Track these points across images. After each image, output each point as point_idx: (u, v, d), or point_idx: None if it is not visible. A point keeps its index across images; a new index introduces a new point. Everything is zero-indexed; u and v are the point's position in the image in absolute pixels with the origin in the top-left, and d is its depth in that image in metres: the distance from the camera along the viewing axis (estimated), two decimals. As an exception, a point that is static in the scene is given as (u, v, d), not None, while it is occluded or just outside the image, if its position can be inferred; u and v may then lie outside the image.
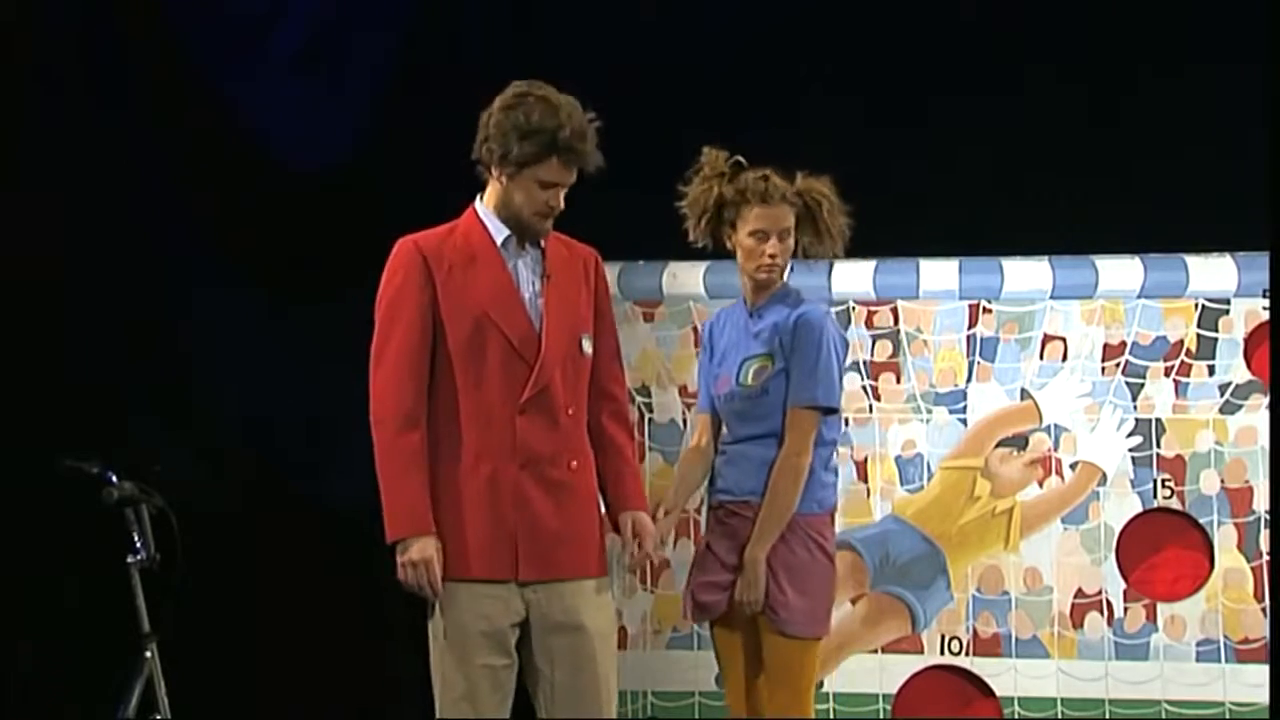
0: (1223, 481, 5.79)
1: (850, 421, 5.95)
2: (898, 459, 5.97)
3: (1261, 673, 5.59)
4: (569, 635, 3.96)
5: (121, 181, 6.17)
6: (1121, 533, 5.84)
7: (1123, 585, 5.81)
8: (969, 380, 5.95)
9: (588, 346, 4.05)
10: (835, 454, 4.49)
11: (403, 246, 4.05)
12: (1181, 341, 5.84)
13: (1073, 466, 5.88)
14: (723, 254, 4.51)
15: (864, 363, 5.99)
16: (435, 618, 3.97)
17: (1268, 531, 5.70)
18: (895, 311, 5.99)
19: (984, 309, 5.95)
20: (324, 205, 6.13)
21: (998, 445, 5.93)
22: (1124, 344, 5.87)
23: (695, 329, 5.92)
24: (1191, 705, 5.72)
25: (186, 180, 6.24)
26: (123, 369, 6.02)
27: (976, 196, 5.85)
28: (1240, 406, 5.80)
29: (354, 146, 6.24)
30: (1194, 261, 5.85)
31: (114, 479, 4.44)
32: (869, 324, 6.01)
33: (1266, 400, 5.73)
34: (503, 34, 6.25)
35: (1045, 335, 5.92)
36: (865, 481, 5.97)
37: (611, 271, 4.39)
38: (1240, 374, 5.81)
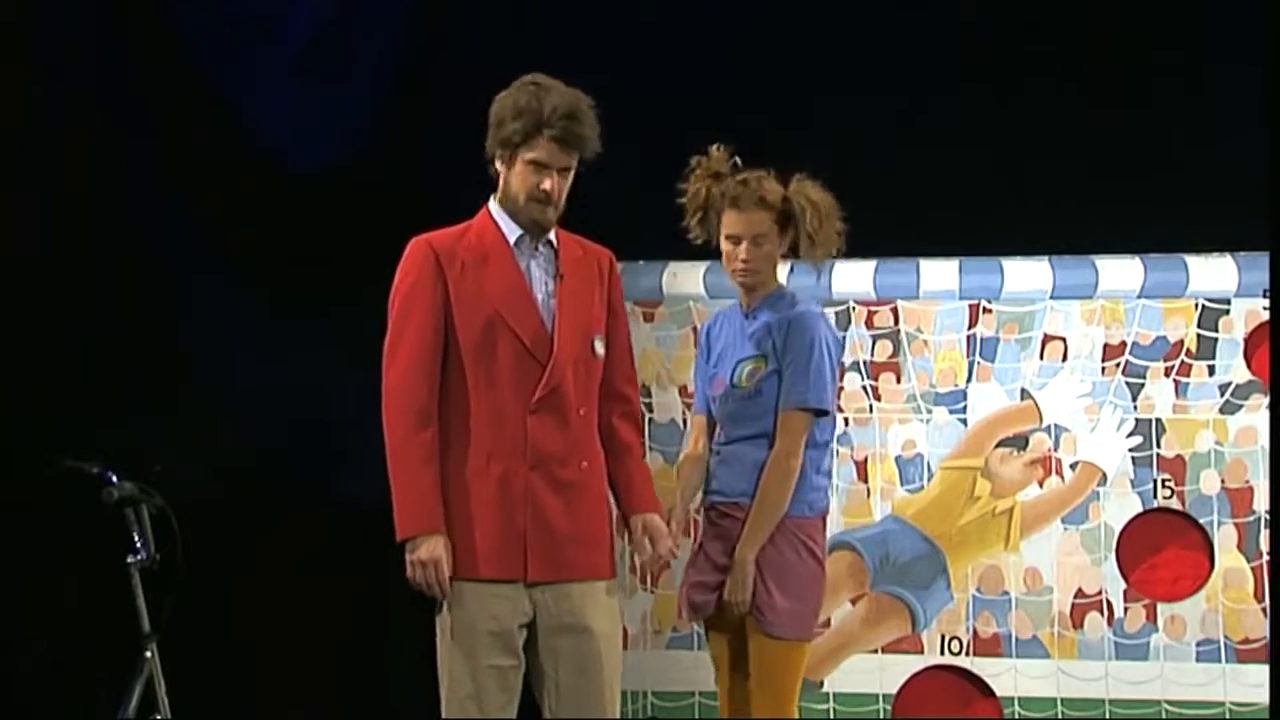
0: (1223, 481, 5.79)
1: (850, 421, 5.96)
2: (898, 459, 5.97)
3: (1262, 673, 5.59)
4: (575, 637, 3.95)
5: (122, 181, 6.17)
6: (1122, 533, 5.84)
7: (1123, 585, 5.81)
8: (969, 380, 5.95)
9: (600, 347, 4.05)
10: (828, 457, 4.48)
11: (415, 245, 4.05)
12: (1181, 341, 5.84)
13: (1073, 466, 5.88)
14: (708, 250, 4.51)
15: (864, 363, 5.99)
16: (443, 617, 3.97)
17: (1268, 531, 5.70)
18: (895, 311, 5.99)
19: (984, 309, 5.95)
20: (325, 205, 6.13)
21: (998, 445, 5.93)
22: (1124, 344, 5.87)
23: (695, 329, 5.92)
24: (1191, 705, 5.72)
25: (187, 180, 6.23)
26: (123, 369, 6.01)
27: (976, 196, 5.85)
28: (1240, 406, 5.80)
29: (355, 147, 6.24)
30: (1194, 261, 5.85)
31: (114, 479, 4.44)
32: (869, 324, 6.01)
33: (1266, 400, 5.73)
34: (503, 34, 6.25)
35: (1045, 335, 5.92)
36: (865, 481, 5.97)
37: (612, 272, 4.38)
38: (1240, 374, 5.81)
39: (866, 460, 5.98)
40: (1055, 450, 5.89)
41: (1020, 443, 5.92)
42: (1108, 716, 5.75)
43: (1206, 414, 5.82)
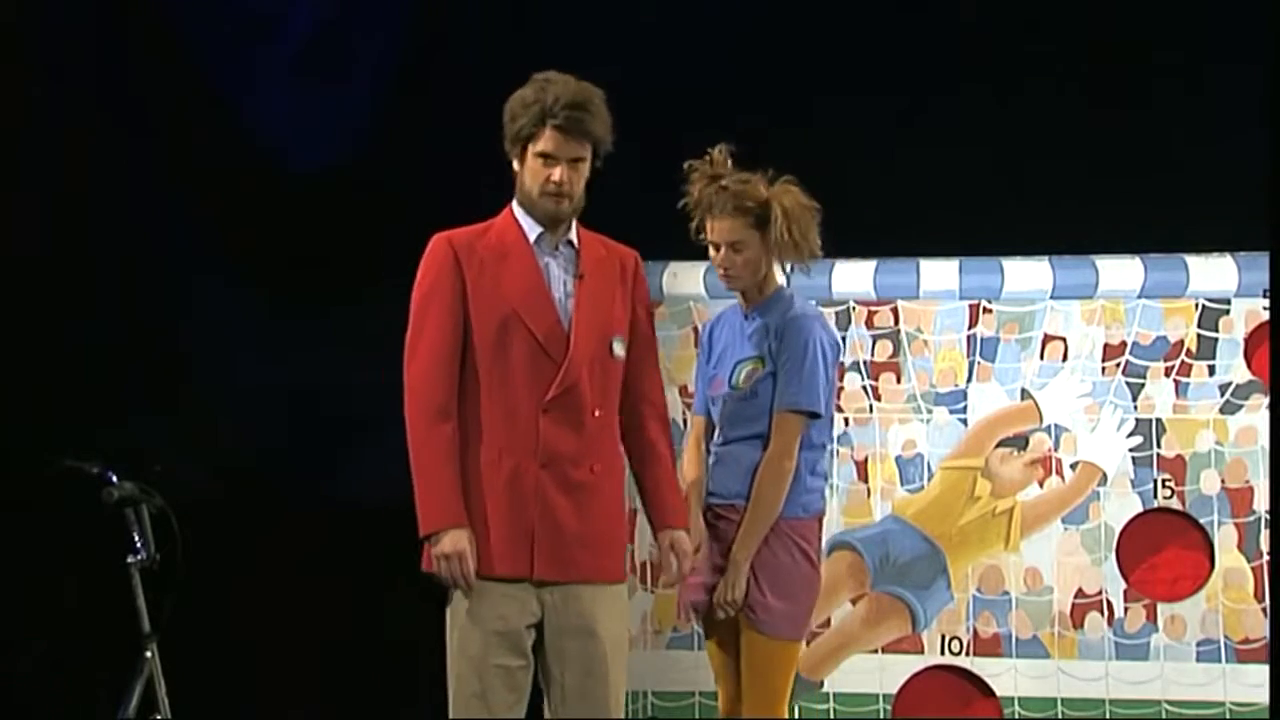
0: (1223, 481, 5.79)
1: (850, 421, 5.96)
2: (898, 459, 5.97)
3: (1262, 673, 5.59)
4: (581, 640, 3.95)
5: (122, 181, 6.17)
6: (1122, 533, 5.83)
7: (1123, 585, 5.81)
8: (969, 380, 5.95)
9: (619, 349, 4.04)
10: (824, 459, 4.48)
11: (436, 242, 4.07)
12: (1182, 341, 5.84)
13: (1073, 466, 5.88)
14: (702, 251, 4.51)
15: (864, 363, 5.99)
16: (451, 615, 3.97)
17: (1268, 531, 5.70)
18: (895, 311, 5.99)
19: (984, 309, 5.95)
20: (325, 205, 6.13)
21: (998, 445, 5.93)
22: (1124, 344, 5.87)
23: (695, 329, 5.92)
24: (1192, 705, 5.71)
25: (187, 180, 6.24)
26: (123, 369, 6.02)
27: (976, 196, 5.85)
28: (1240, 406, 5.80)
29: (355, 147, 6.24)
30: (1194, 261, 5.85)
31: (114, 479, 4.44)
32: (869, 324, 6.00)
33: (1267, 400, 5.73)
34: (503, 34, 6.25)
35: (1045, 335, 5.92)
36: (865, 481, 5.97)
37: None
38: (1240, 374, 5.81)
39: (866, 460, 5.98)
40: (1055, 450, 5.88)
41: (1020, 443, 5.92)
42: (1108, 716, 5.75)
43: (1207, 414, 5.82)
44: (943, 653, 5.89)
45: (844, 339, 5.81)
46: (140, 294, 6.14)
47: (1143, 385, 5.85)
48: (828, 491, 4.67)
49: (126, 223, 6.15)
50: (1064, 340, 5.91)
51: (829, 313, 5.78)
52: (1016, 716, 5.80)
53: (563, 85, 3.95)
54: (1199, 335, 5.83)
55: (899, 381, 5.97)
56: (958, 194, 5.87)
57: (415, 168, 6.15)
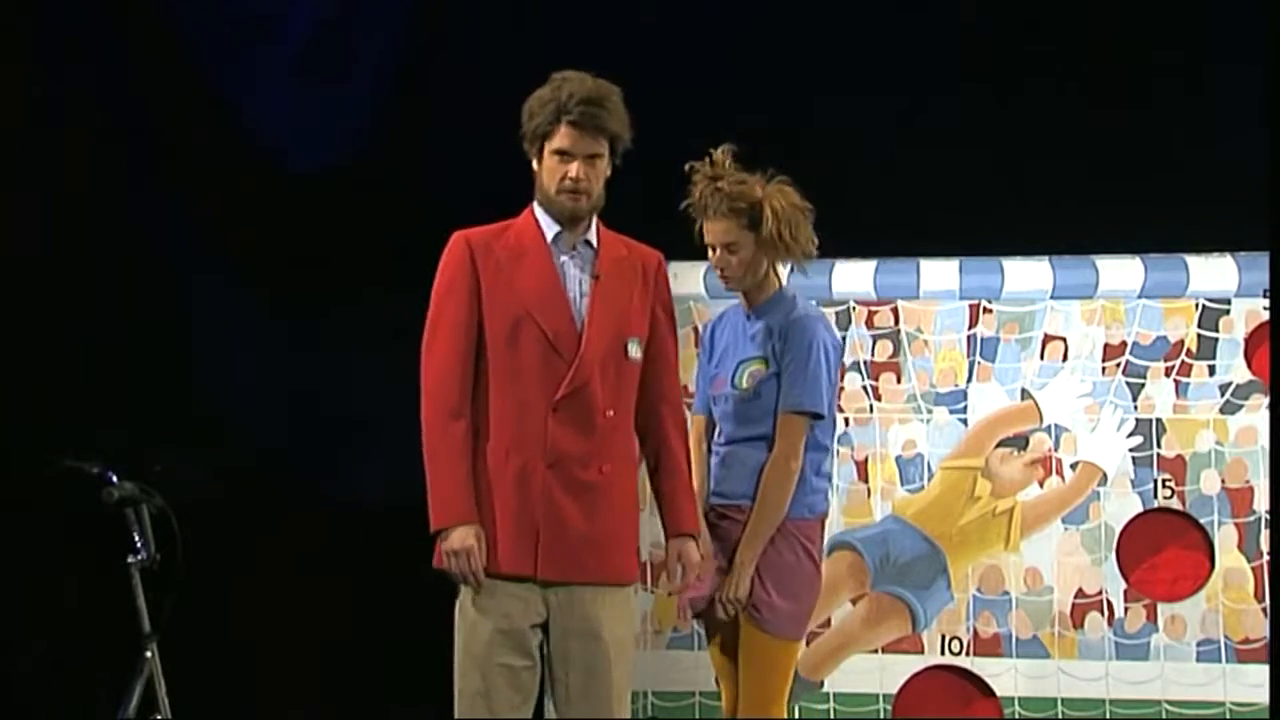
0: (1223, 481, 5.78)
1: (850, 421, 5.96)
2: (898, 459, 5.97)
3: (1262, 673, 5.59)
4: (585, 642, 3.95)
5: (122, 181, 6.18)
6: (1122, 533, 5.83)
7: (1123, 585, 5.81)
8: (969, 380, 5.95)
9: (635, 351, 4.03)
10: (828, 459, 4.49)
11: (454, 241, 4.08)
12: (1182, 341, 5.84)
13: (1073, 466, 5.88)
14: (702, 253, 4.50)
15: (864, 363, 5.98)
16: (460, 613, 3.97)
17: (1268, 531, 5.70)
18: (895, 311, 5.99)
19: (984, 309, 5.95)
20: (325, 205, 6.14)
21: (998, 445, 5.93)
22: (1124, 344, 5.87)
23: (696, 329, 5.92)
24: (1192, 705, 5.71)
25: (187, 180, 6.24)
26: (123, 369, 6.02)
27: (976, 196, 5.85)
28: (1241, 406, 5.79)
29: (355, 147, 6.24)
30: (1194, 261, 5.84)
31: (114, 479, 4.44)
32: (869, 324, 6.00)
33: (1267, 400, 5.73)
34: (503, 34, 6.25)
35: (1045, 335, 5.92)
36: (865, 481, 5.97)
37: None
38: (1241, 374, 5.81)
39: (867, 460, 5.98)
40: (1055, 450, 5.88)
41: (1020, 443, 5.91)
42: (1108, 716, 5.75)
43: (1207, 414, 5.81)
44: (943, 653, 5.89)
45: (844, 339, 5.80)
46: (140, 294, 6.15)
47: (1143, 385, 5.85)
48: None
49: (126, 223, 6.15)
50: (1064, 340, 5.91)
51: (829, 313, 5.77)
52: (1016, 716, 5.80)
53: (578, 82, 3.96)
54: (1199, 335, 5.83)
55: (899, 381, 5.97)
56: (958, 194, 5.87)
57: (415, 168, 6.15)
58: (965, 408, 5.94)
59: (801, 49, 6.01)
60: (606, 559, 3.98)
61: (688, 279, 6.05)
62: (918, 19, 5.98)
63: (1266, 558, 5.70)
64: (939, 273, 5.98)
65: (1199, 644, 5.74)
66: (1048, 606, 5.83)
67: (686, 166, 4.43)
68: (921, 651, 5.89)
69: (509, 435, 3.94)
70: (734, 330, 4.50)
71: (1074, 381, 5.89)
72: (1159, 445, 5.83)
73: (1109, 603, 5.81)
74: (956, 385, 5.95)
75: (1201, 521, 5.79)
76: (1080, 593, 5.82)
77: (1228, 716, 5.68)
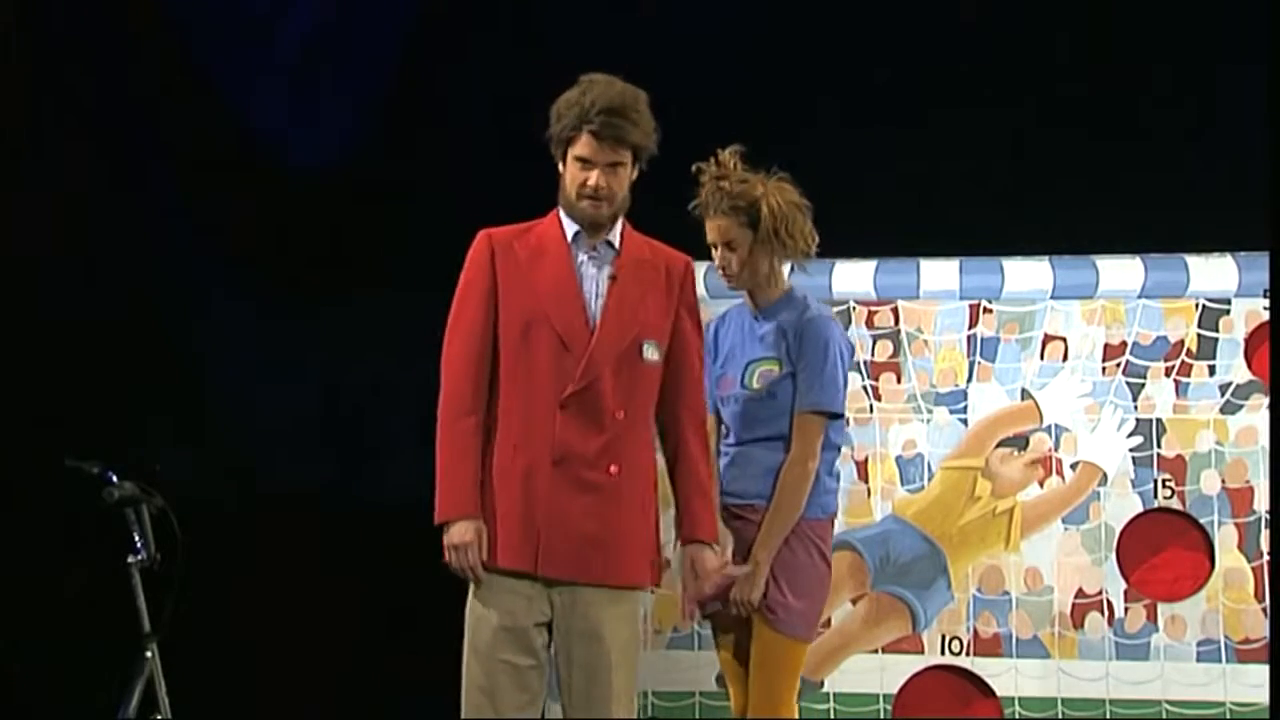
0: (1223, 481, 5.78)
1: (851, 421, 5.95)
2: (898, 459, 5.97)
3: (1262, 673, 5.59)
4: (587, 643, 3.95)
5: (122, 181, 6.18)
6: (1122, 533, 5.83)
7: (1123, 585, 5.81)
8: (969, 380, 5.95)
9: (651, 353, 4.02)
10: (839, 460, 4.49)
11: (477, 239, 4.08)
12: (1182, 341, 5.84)
13: (1073, 466, 5.88)
14: (706, 253, 4.50)
15: (864, 363, 5.98)
16: (469, 610, 3.98)
17: (1268, 531, 5.70)
18: (896, 311, 5.99)
19: (984, 309, 5.95)
20: (324, 205, 6.14)
21: (998, 445, 5.93)
22: (1124, 344, 5.87)
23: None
24: (1192, 705, 5.71)
25: (187, 180, 6.24)
26: (124, 369, 6.02)
27: (977, 196, 5.85)
28: (1241, 406, 5.79)
29: (355, 147, 6.24)
30: (1194, 261, 5.84)
31: (114, 479, 4.45)
32: (869, 324, 6.00)
33: (1267, 400, 5.73)
34: (503, 34, 6.25)
35: (1046, 335, 5.92)
36: (866, 481, 5.97)
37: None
38: (1241, 374, 5.81)
39: (867, 460, 5.97)
40: (1056, 450, 5.88)
41: (1021, 443, 5.91)
42: (1108, 716, 5.75)
43: (1207, 414, 5.81)
44: (943, 653, 5.89)
45: (845, 339, 5.80)
46: (140, 294, 6.14)
47: (1143, 385, 5.85)
48: (830, 491, 4.66)
49: (126, 223, 6.15)
50: (1064, 340, 5.91)
51: (829, 313, 5.77)
52: (1016, 716, 5.80)
53: (602, 89, 3.95)
54: (1199, 335, 5.83)
55: (899, 381, 5.97)
56: (958, 194, 5.87)
57: (415, 168, 6.15)
58: (965, 408, 5.94)
59: (803, 50, 6.01)
60: (613, 560, 3.97)
61: (689, 279, 6.05)
62: (918, 19, 5.98)
63: (1266, 558, 5.70)
64: (939, 273, 5.98)
65: (1199, 644, 5.74)
66: (1048, 606, 5.83)
67: (694, 167, 4.44)
68: (921, 651, 5.89)
69: (517, 432, 3.95)
70: (740, 330, 4.50)
71: (1074, 381, 5.89)
72: (1159, 445, 5.83)
73: (1109, 603, 5.81)
74: (956, 385, 5.95)
75: (1201, 521, 5.79)
76: (1080, 593, 5.82)
77: (1228, 716, 5.68)
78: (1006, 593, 5.86)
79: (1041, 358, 5.92)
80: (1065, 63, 5.94)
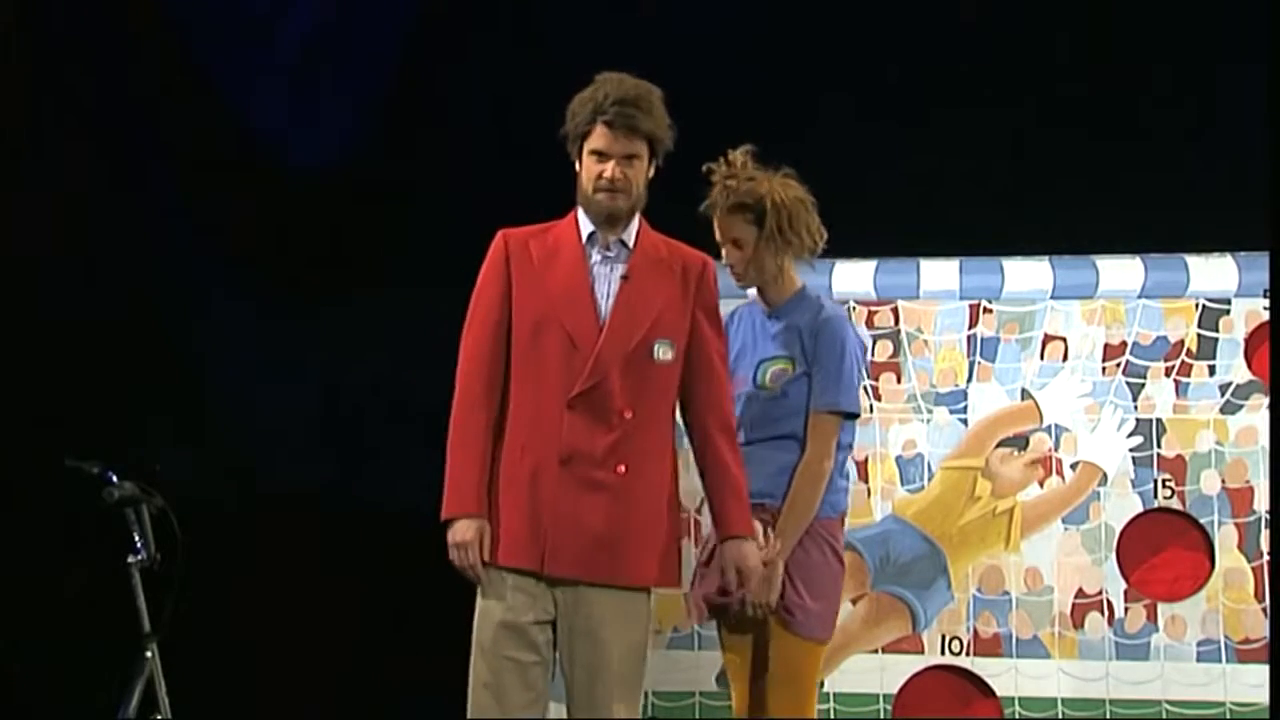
0: (1223, 481, 5.78)
1: (852, 421, 5.95)
2: (898, 459, 5.97)
3: (1262, 673, 5.59)
4: (589, 643, 3.95)
5: (122, 181, 6.18)
6: (1122, 533, 5.83)
7: (1123, 585, 5.81)
8: (969, 380, 5.95)
9: (662, 353, 4.02)
10: (849, 459, 4.49)
11: (496, 238, 4.10)
12: (1182, 341, 5.84)
13: (1073, 466, 5.88)
14: (718, 253, 4.50)
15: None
16: (476, 605, 3.99)
17: (1268, 531, 5.70)
18: (896, 311, 5.99)
19: (984, 309, 5.95)
20: (324, 205, 6.14)
21: (998, 445, 5.93)
22: (1124, 344, 5.87)
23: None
24: (1192, 705, 5.71)
25: (187, 180, 6.24)
26: (123, 369, 6.02)
27: (977, 196, 5.85)
28: (1241, 406, 5.79)
29: (355, 146, 6.24)
30: (1194, 261, 5.84)
31: (114, 479, 4.45)
32: (869, 324, 6.00)
33: (1267, 400, 5.73)
34: (503, 34, 6.25)
35: (1046, 335, 5.92)
36: (866, 481, 5.96)
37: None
38: (1241, 374, 5.81)
39: (867, 460, 5.97)
40: (1056, 450, 5.88)
41: (1021, 443, 5.91)
42: (1108, 716, 5.75)
43: (1207, 414, 5.81)
44: (943, 653, 5.89)
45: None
46: (140, 294, 6.15)
47: (1143, 385, 5.85)
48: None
49: (126, 223, 6.15)
50: (1064, 340, 5.91)
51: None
52: (1016, 716, 5.80)
53: (616, 83, 3.99)
54: (1199, 335, 5.83)
55: (899, 381, 5.97)
56: (958, 194, 5.87)
57: (415, 168, 6.15)
58: (965, 408, 5.94)
59: (803, 50, 6.01)
60: (620, 560, 3.96)
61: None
62: (918, 19, 5.98)
63: (1266, 558, 5.70)
64: (939, 273, 5.98)
65: (1199, 644, 5.74)
66: (1048, 606, 5.83)
67: (704, 167, 4.44)
68: (921, 651, 5.89)
69: (525, 431, 3.96)
70: (751, 328, 4.49)
71: (1074, 381, 5.89)
72: (1159, 445, 5.83)
73: (1109, 603, 5.81)
74: (956, 385, 5.95)
75: (1201, 521, 5.79)
76: (1080, 593, 5.82)
77: (1228, 716, 5.68)
78: (1006, 593, 5.86)
79: (1041, 358, 5.92)
80: (1065, 63, 5.94)
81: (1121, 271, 5.88)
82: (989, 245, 5.93)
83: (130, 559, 4.43)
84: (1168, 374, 5.83)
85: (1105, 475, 5.85)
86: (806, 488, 4.32)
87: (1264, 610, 5.69)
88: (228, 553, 5.61)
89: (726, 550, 4.10)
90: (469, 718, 3.97)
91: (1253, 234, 5.30)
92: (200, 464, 5.98)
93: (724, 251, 4.43)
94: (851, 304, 5.99)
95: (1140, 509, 5.83)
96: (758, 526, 4.24)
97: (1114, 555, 5.82)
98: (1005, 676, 5.83)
